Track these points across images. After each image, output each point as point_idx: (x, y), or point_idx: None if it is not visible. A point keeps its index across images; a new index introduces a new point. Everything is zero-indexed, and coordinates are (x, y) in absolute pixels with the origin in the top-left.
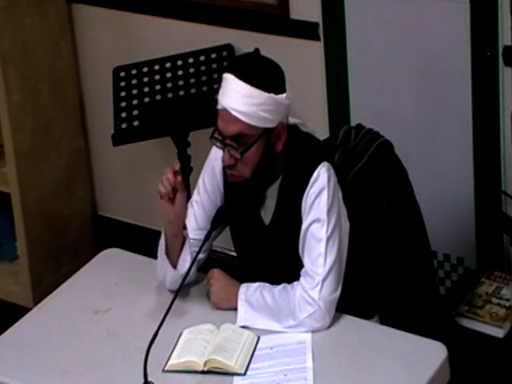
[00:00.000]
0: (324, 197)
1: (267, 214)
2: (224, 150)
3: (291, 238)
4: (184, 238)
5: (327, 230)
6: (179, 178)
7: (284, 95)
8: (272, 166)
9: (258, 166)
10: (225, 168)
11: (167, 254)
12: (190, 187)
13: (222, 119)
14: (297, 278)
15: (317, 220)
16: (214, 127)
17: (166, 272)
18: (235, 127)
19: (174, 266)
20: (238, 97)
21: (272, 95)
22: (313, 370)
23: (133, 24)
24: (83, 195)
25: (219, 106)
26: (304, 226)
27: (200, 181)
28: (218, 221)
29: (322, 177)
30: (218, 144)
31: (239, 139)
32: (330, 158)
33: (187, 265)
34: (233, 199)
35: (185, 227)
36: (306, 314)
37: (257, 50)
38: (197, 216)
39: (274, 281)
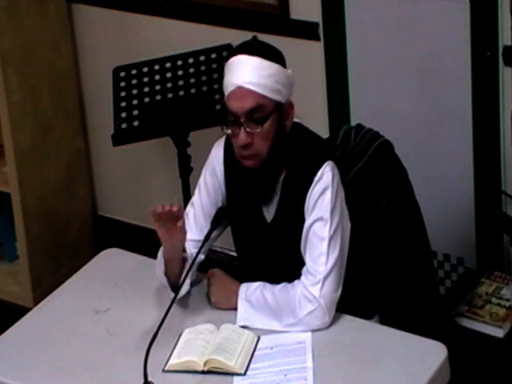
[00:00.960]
0: (328, 196)
1: (270, 212)
2: (238, 133)
3: (293, 236)
4: (184, 261)
5: (330, 229)
6: (180, 213)
7: (289, 71)
8: (283, 147)
9: (272, 143)
10: (228, 159)
11: (166, 274)
12: (190, 187)
13: (235, 99)
14: (298, 276)
15: (320, 219)
16: (222, 116)
17: (166, 289)
18: (251, 100)
19: (173, 286)
20: (251, 70)
21: (281, 67)
22: (313, 370)
23: (133, 24)
24: (83, 195)
25: (230, 88)
26: (307, 224)
27: (201, 181)
28: (217, 221)
29: (326, 176)
30: (231, 128)
31: (255, 113)
32: (334, 157)
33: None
34: (235, 197)
35: (184, 250)
36: (306, 312)
37: (255, 37)
38: (196, 216)
39: (275, 279)
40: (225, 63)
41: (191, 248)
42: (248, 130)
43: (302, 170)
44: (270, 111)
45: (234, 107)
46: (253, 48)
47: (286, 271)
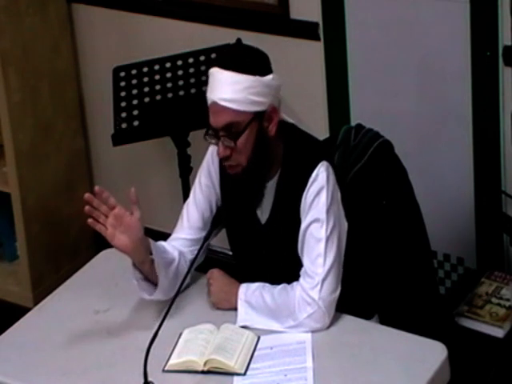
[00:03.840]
0: (323, 196)
1: (264, 213)
2: (218, 144)
3: (288, 237)
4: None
5: (326, 230)
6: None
7: (271, 76)
8: (268, 152)
9: (253, 151)
10: (222, 163)
11: (146, 278)
12: (190, 187)
13: (212, 114)
14: (293, 277)
15: (316, 220)
16: (207, 126)
17: (151, 295)
18: (224, 117)
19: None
20: (223, 86)
21: (258, 77)
22: (313, 370)
23: (133, 24)
24: (83, 195)
25: (208, 101)
26: (303, 225)
27: (196, 182)
28: (218, 220)
29: (321, 176)
30: (212, 140)
31: (230, 128)
32: (329, 157)
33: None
34: (229, 198)
35: (151, 253)
36: (305, 315)
37: (239, 40)
38: (190, 216)
39: (270, 280)
40: None
41: (182, 246)
42: (225, 143)
43: (297, 170)
44: (246, 125)
45: (211, 122)
46: (227, 60)
47: (282, 272)
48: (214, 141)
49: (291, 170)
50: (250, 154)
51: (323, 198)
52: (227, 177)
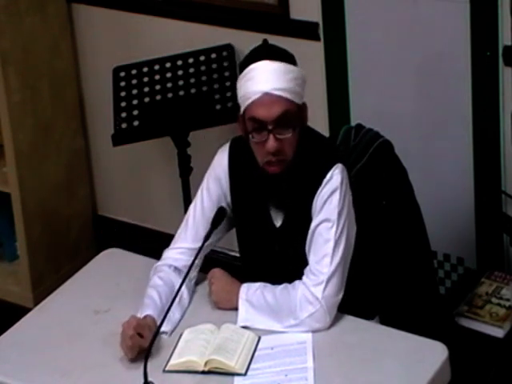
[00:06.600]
0: (336, 198)
1: (278, 215)
2: (265, 140)
3: (301, 239)
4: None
5: (336, 232)
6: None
7: (304, 71)
8: (304, 149)
9: (297, 144)
10: (231, 167)
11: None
12: (190, 187)
13: (262, 106)
14: (301, 277)
15: (327, 220)
16: (244, 124)
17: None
18: (280, 106)
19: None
20: (276, 75)
21: (300, 69)
22: (313, 370)
23: (133, 24)
24: (83, 195)
25: (254, 96)
26: (313, 224)
27: (203, 187)
28: (218, 221)
29: (335, 178)
30: (260, 135)
31: (284, 118)
32: (344, 160)
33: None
34: (242, 202)
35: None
36: (306, 314)
37: (265, 40)
38: (196, 222)
39: (279, 279)
40: (225, 63)
41: (185, 256)
42: (278, 136)
43: (311, 172)
44: (296, 115)
45: (261, 115)
46: (272, 53)
47: (292, 274)
48: (259, 138)
49: (306, 171)
50: (295, 147)
51: (335, 200)
52: (239, 181)
